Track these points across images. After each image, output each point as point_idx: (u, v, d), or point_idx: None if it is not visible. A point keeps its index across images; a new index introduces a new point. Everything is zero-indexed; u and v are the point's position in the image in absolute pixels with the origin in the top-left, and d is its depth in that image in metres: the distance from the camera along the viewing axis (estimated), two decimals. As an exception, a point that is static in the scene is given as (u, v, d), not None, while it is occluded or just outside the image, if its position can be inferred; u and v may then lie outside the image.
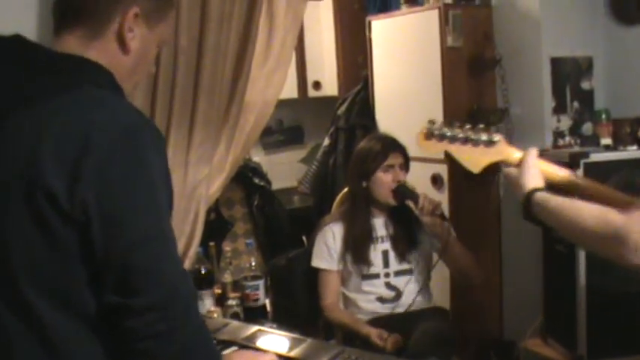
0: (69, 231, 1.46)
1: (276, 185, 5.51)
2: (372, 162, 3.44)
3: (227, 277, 3.68)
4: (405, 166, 3.51)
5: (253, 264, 3.65)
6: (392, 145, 3.49)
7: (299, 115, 6.27)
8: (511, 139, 4.40)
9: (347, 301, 3.59)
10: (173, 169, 2.72)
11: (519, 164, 2.13)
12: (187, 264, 2.89)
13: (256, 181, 5.07)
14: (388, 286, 3.49)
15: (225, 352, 2.33)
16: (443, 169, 4.40)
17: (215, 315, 3.21)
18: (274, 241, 5.05)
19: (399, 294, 3.49)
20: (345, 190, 3.84)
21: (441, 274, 3.73)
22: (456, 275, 3.59)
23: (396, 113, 4.78)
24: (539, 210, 1.98)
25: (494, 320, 4.66)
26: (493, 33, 4.51)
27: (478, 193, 4.49)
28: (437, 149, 2.23)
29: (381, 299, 3.49)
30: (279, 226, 5.13)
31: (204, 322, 1.63)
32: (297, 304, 3.72)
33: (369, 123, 4.96)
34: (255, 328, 2.60)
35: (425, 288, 3.58)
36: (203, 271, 3.43)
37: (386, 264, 3.50)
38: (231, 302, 3.49)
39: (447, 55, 4.36)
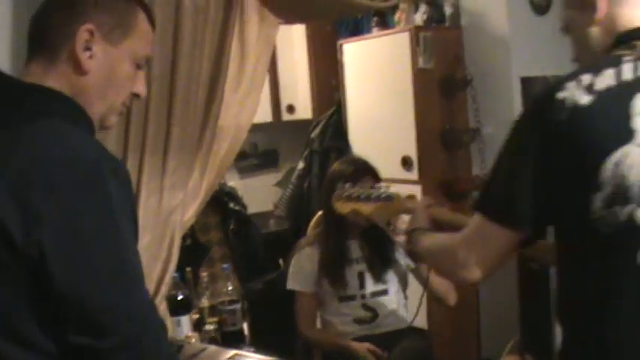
0: (21, 268, 1.39)
1: (251, 209, 5.51)
2: (344, 184, 3.45)
3: (204, 302, 3.67)
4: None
5: (230, 288, 3.64)
6: (363, 169, 3.49)
7: (273, 139, 6.27)
8: (484, 158, 4.48)
9: (324, 323, 3.60)
10: (148, 195, 2.74)
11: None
12: (164, 290, 2.88)
13: (232, 205, 5.06)
14: (365, 307, 3.49)
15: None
16: (417, 190, 4.43)
17: (193, 340, 3.20)
18: (251, 265, 5.04)
19: (375, 315, 3.49)
20: (320, 212, 3.85)
21: (417, 294, 3.73)
22: (431, 296, 3.59)
23: (370, 135, 4.82)
24: (413, 245, 2.25)
25: (472, 339, 4.68)
26: (464, 54, 4.57)
27: (451, 210, 4.50)
28: (348, 208, 2.66)
29: (358, 320, 3.49)
30: (255, 250, 5.12)
31: (175, 352, 1.63)
32: (275, 327, 3.72)
33: (342, 146, 4.99)
34: (232, 352, 2.61)
35: (402, 308, 3.59)
36: (180, 297, 3.41)
37: (362, 285, 3.50)
38: (208, 327, 3.47)
39: (419, 77, 4.41)
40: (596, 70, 1.70)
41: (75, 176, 1.42)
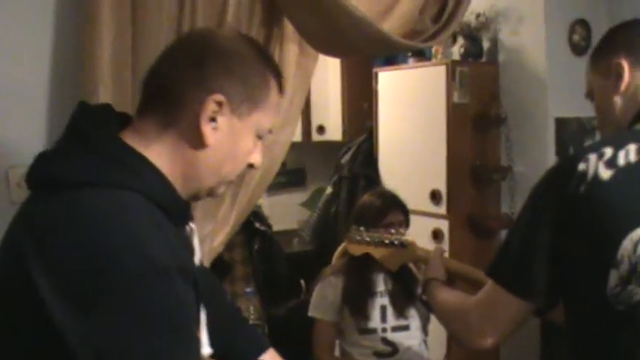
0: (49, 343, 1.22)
1: (276, 227, 5.52)
2: (371, 219, 3.43)
3: (226, 325, 3.68)
4: (405, 224, 3.51)
5: (252, 311, 3.65)
6: (392, 203, 3.48)
7: (302, 158, 6.29)
8: (514, 197, 4.46)
9: (343, 353, 3.59)
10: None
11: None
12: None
13: (257, 225, 5.07)
14: (385, 341, 3.48)
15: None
16: (444, 225, 4.43)
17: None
18: (273, 286, 5.05)
19: (395, 350, 3.48)
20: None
21: (438, 329, 3.73)
22: (450, 335, 3.59)
23: (400, 166, 4.82)
24: (427, 295, 2.32)
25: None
26: (499, 91, 4.56)
27: (478, 249, 4.51)
28: (360, 251, 2.83)
29: (378, 354, 3.48)
30: (278, 271, 5.13)
31: None
32: (296, 354, 3.72)
33: (372, 173, 4.99)
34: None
35: (422, 344, 3.59)
36: (202, 320, 3.43)
37: (383, 319, 3.49)
38: (229, 351, 3.48)
39: (453, 111, 4.41)
40: (619, 143, 1.67)
41: (132, 276, 1.23)
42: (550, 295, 1.74)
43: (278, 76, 1.58)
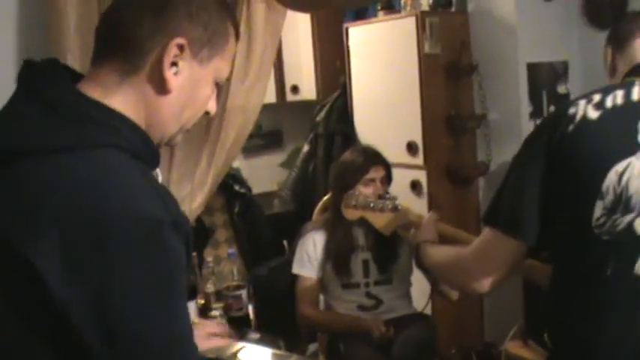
0: (53, 320, 1.23)
1: (256, 189, 5.52)
2: (353, 175, 3.44)
3: (210, 287, 3.68)
4: (387, 179, 3.52)
5: (235, 273, 3.66)
6: (374, 159, 3.50)
7: (278, 120, 6.28)
8: (489, 144, 4.49)
9: (327, 307, 3.62)
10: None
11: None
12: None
13: (237, 188, 5.07)
14: (368, 295, 3.51)
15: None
16: (422, 175, 4.44)
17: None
18: (256, 247, 5.06)
19: (379, 302, 3.51)
20: (327, 197, 3.86)
21: (420, 281, 3.75)
22: (435, 291, 3.61)
23: (375, 120, 4.82)
24: (421, 257, 2.35)
25: (475, 324, 4.70)
26: (470, 39, 4.55)
27: (457, 198, 4.54)
28: (355, 216, 2.88)
29: (362, 307, 3.51)
30: (260, 233, 5.14)
31: None
32: (280, 312, 3.74)
33: (348, 129, 4.99)
34: (240, 345, 2.63)
35: (405, 296, 3.61)
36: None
37: (366, 274, 3.52)
38: (214, 312, 3.49)
39: (425, 62, 4.40)
40: (608, 91, 1.82)
41: (133, 237, 1.25)
42: (542, 233, 1.82)
43: (236, 24, 1.59)
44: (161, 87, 1.43)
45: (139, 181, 1.33)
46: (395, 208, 2.71)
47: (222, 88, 1.65)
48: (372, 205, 2.79)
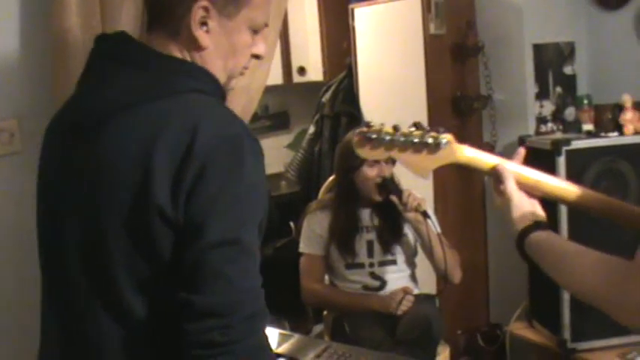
0: (169, 238, 1.47)
1: (262, 171, 5.53)
2: (357, 157, 3.43)
3: (216, 269, 3.70)
4: (392, 160, 3.51)
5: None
6: (379, 138, 3.49)
7: (284, 101, 6.28)
8: (495, 125, 4.48)
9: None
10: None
11: (495, 180, 1.87)
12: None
13: (242, 169, 5.08)
14: (373, 275, 3.52)
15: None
16: (427, 157, 4.44)
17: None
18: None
19: (383, 283, 3.52)
20: (332, 177, 3.87)
21: (425, 262, 3.77)
22: (436, 272, 3.62)
23: (381, 100, 4.81)
24: (532, 254, 1.74)
25: (481, 305, 4.71)
26: (476, 20, 4.54)
27: (462, 179, 4.53)
28: (374, 156, 1.90)
29: (366, 288, 3.52)
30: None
31: (266, 344, 1.53)
32: (286, 292, 3.75)
33: (353, 110, 4.98)
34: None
35: (410, 276, 3.62)
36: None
37: (370, 254, 3.53)
38: (219, 293, 3.51)
39: (430, 43, 4.38)
40: None
41: (224, 151, 1.48)
42: None
43: None
44: (197, 44, 1.61)
45: (223, 112, 1.58)
46: (436, 145, 1.83)
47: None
48: (401, 139, 1.82)
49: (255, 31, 1.69)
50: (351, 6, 4.98)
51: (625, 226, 1.76)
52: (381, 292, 3.50)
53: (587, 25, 4.47)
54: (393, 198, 3.41)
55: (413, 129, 1.84)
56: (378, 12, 4.77)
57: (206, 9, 1.58)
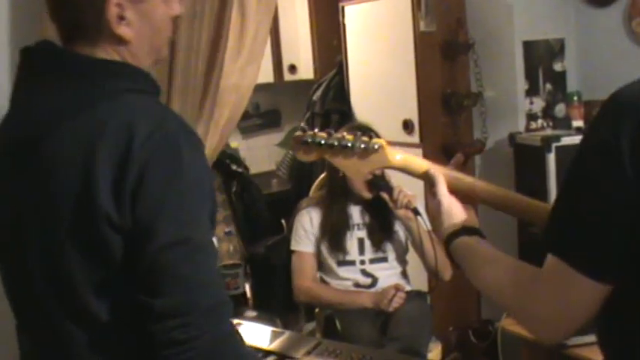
0: (119, 243, 1.47)
1: (254, 169, 5.54)
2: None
3: (207, 266, 3.70)
4: None
5: (232, 252, 3.68)
6: (369, 137, 3.49)
7: (276, 99, 6.28)
8: (485, 122, 4.49)
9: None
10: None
11: (428, 184, 1.84)
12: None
13: (234, 167, 5.08)
14: (364, 272, 3.54)
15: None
16: (418, 153, 4.44)
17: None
18: (253, 227, 5.08)
19: (375, 280, 3.53)
20: (324, 174, 3.87)
21: (416, 260, 3.77)
22: (426, 270, 3.63)
23: (371, 98, 4.83)
24: (456, 259, 1.72)
25: (472, 301, 4.72)
26: (466, 17, 4.54)
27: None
28: (310, 157, 1.89)
29: (358, 285, 3.53)
30: (257, 212, 5.15)
31: (230, 334, 1.53)
32: (277, 291, 3.76)
33: (344, 108, 4.99)
34: (234, 321, 2.64)
35: (402, 273, 3.63)
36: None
37: (361, 251, 3.54)
38: (211, 291, 3.51)
39: (421, 40, 4.39)
40: None
41: (161, 150, 1.47)
42: (633, 271, 1.35)
43: None
44: (122, 41, 1.59)
45: (157, 109, 1.58)
46: (367, 150, 1.82)
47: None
48: (335, 143, 1.82)
49: (169, 7, 1.66)
50: (341, 3, 4.99)
51: (538, 223, 1.73)
52: (373, 289, 3.51)
53: (576, 22, 4.48)
54: (384, 195, 3.42)
55: (346, 134, 1.84)
56: (368, 9, 4.78)
57: (119, 4, 1.56)
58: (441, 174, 1.80)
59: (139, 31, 1.60)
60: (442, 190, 1.78)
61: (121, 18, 1.56)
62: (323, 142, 1.83)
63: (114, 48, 1.60)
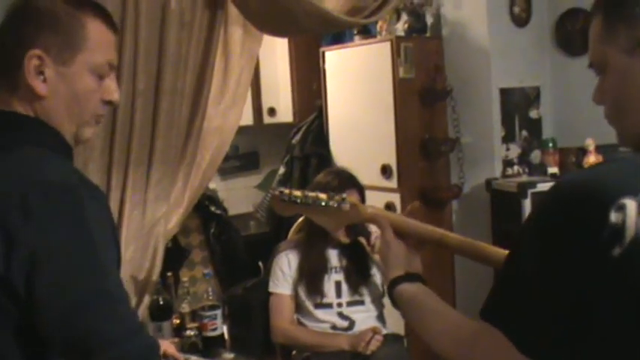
0: (6, 296, 1.41)
1: (232, 211, 5.54)
2: (326, 198, 3.47)
3: (185, 307, 3.70)
4: (361, 202, 3.55)
5: (210, 293, 3.68)
6: (347, 182, 3.51)
7: (255, 141, 6.30)
8: (462, 167, 4.54)
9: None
10: (132, 208, 2.78)
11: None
12: (146, 299, 2.93)
13: (213, 209, 5.10)
14: (341, 315, 3.54)
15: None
16: (396, 198, 4.49)
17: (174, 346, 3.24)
18: (231, 269, 5.08)
19: (352, 323, 3.54)
20: (302, 218, 3.89)
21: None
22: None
23: (350, 142, 4.87)
24: (399, 304, 1.75)
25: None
26: (444, 64, 4.62)
27: (431, 221, 4.38)
28: (288, 213, 2.04)
29: (335, 327, 3.54)
30: (235, 254, 5.15)
31: None
32: (255, 333, 3.76)
33: (323, 152, 5.03)
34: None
35: (378, 316, 3.64)
36: (161, 302, 3.45)
37: (339, 294, 3.54)
38: (189, 332, 3.50)
39: (399, 86, 4.47)
40: None
41: (52, 200, 1.43)
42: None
43: (98, 13, 1.66)
44: (34, 94, 1.57)
45: (54, 162, 1.54)
46: (338, 209, 1.98)
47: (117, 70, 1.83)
48: (310, 201, 2.00)
49: (100, 76, 1.65)
50: (322, 49, 5.05)
51: (491, 265, 1.80)
52: (350, 332, 3.52)
53: (551, 70, 4.58)
54: (361, 239, 3.44)
55: (319, 193, 1.96)
56: (348, 55, 4.85)
57: (40, 58, 1.55)
58: (385, 220, 1.89)
59: (54, 90, 1.58)
60: (389, 235, 1.86)
61: (40, 72, 1.56)
62: (299, 201, 1.96)
63: (29, 102, 1.58)
